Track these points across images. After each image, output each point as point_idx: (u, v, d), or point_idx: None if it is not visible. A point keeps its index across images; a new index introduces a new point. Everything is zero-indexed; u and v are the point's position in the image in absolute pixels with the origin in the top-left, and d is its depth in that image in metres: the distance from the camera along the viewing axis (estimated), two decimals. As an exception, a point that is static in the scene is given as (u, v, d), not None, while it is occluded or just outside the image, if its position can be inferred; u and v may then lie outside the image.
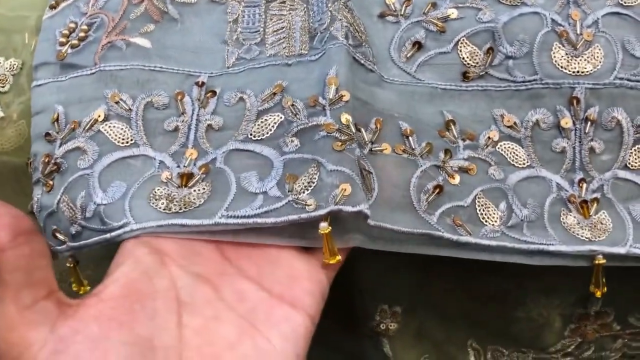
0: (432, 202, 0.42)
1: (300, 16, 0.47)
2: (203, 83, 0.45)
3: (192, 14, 0.48)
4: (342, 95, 0.41)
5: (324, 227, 0.38)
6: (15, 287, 0.32)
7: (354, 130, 0.41)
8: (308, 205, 0.38)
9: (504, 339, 0.51)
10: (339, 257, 0.39)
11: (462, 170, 0.44)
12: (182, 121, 0.44)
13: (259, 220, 0.39)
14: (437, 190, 0.42)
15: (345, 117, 0.41)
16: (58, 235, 0.42)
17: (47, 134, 0.44)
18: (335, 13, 0.45)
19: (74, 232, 0.41)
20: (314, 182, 0.39)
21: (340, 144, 0.40)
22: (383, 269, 0.45)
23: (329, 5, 0.45)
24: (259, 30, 0.47)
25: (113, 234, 0.39)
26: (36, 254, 0.33)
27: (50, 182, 0.42)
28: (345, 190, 0.38)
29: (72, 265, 0.42)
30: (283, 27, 0.47)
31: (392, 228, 0.40)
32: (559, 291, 0.48)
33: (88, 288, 0.43)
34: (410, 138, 0.44)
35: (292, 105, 0.42)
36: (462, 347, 0.52)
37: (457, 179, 0.43)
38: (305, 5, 0.47)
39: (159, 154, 0.42)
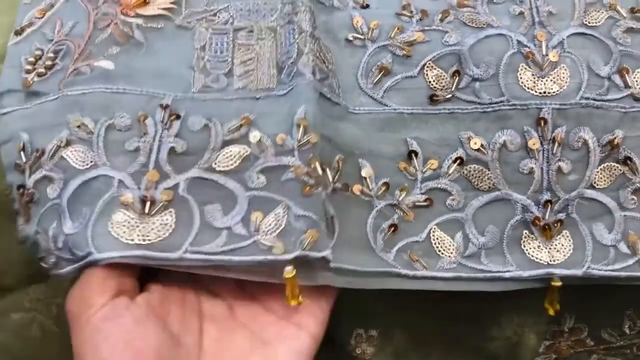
0: (388, 240, 0.43)
1: (269, 47, 0.47)
2: (167, 105, 0.44)
3: (159, 39, 0.48)
4: (311, 138, 0.42)
5: (289, 270, 0.39)
6: None
7: (320, 172, 0.41)
8: (275, 248, 0.39)
9: (481, 357, 0.52)
10: (301, 300, 0.40)
11: (418, 206, 0.44)
12: (144, 141, 0.43)
13: (225, 257, 0.39)
14: (393, 229, 0.43)
15: (314, 160, 0.41)
16: (43, 264, 0.42)
17: (17, 165, 0.44)
18: (302, 46, 0.45)
19: (51, 262, 0.41)
20: (281, 225, 0.40)
21: (308, 188, 0.40)
22: (358, 293, 0.45)
23: (296, 37, 0.45)
24: (226, 60, 0.47)
25: (81, 263, 0.39)
26: None
27: (28, 213, 0.42)
28: (312, 236, 0.39)
29: None
30: (251, 59, 0.47)
31: (352, 269, 0.41)
32: (533, 309, 0.48)
33: None
34: (367, 179, 0.44)
35: (260, 141, 0.42)
36: (439, 367, 0.52)
37: (411, 216, 0.44)
38: (273, 35, 0.47)
39: (118, 172, 0.42)
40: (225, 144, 0.43)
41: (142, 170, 0.42)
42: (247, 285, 0.41)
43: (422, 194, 0.44)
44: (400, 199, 0.44)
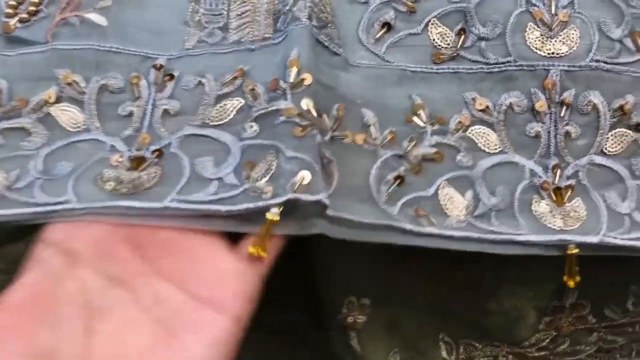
0: (393, 193, 0.40)
1: None
2: (161, 66, 0.43)
3: None
4: (304, 79, 0.40)
5: (274, 213, 0.36)
6: None
7: (315, 115, 0.39)
8: (265, 193, 0.37)
9: (477, 333, 0.50)
10: (264, 254, 0.36)
11: (427, 159, 0.42)
12: (138, 106, 0.42)
13: (213, 207, 0.37)
14: (398, 181, 0.41)
15: (307, 102, 0.39)
16: None
17: None
18: None
19: None
20: (272, 169, 0.37)
21: (300, 129, 0.38)
22: (351, 260, 0.43)
23: None
24: (222, 13, 0.45)
25: (47, 208, 0.37)
26: None
27: None
28: (304, 178, 0.36)
29: None
30: (247, 11, 0.45)
31: (352, 219, 0.38)
32: (534, 281, 0.47)
33: None
34: (371, 127, 0.42)
35: (252, 89, 0.41)
36: (433, 341, 0.50)
37: (419, 168, 0.41)
38: None
39: (111, 138, 0.40)
40: (219, 98, 0.41)
41: (134, 135, 0.41)
42: (158, 260, 0.36)
43: (431, 146, 0.42)
44: (408, 149, 0.42)
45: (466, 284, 0.46)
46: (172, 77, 0.42)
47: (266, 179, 0.37)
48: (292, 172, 0.37)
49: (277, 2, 0.44)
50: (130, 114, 0.41)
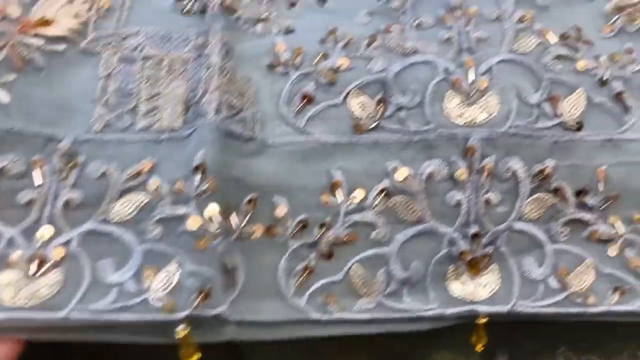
0: (302, 283, 0.40)
1: (177, 81, 0.45)
2: (66, 151, 0.41)
3: (61, 64, 0.45)
4: (209, 184, 0.39)
5: (181, 329, 0.37)
6: None
7: (219, 221, 0.39)
8: (165, 306, 0.37)
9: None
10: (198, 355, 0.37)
11: (338, 243, 0.42)
12: (39, 193, 0.40)
13: (113, 316, 0.37)
14: (307, 272, 0.41)
15: (210, 210, 0.39)
16: None
17: None
18: (209, 81, 0.43)
19: None
20: (172, 282, 0.38)
21: (202, 241, 0.38)
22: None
23: (204, 72, 0.44)
24: (132, 94, 0.44)
25: None
26: None
27: None
28: (203, 293, 0.37)
29: None
30: (158, 93, 0.44)
31: (257, 320, 0.39)
32: (464, 345, 0.46)
33: None
34: (282, 218, 0.42)
35: (157, 188, 0.40)
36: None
37: (330, 254, 0.41)
38: (184, 68, 0.45)
39: (9, 229, 0.39)
40: (123, 192, 0.40)
41: (34, 227, 0.39)
42: None
43: (346, 228, 0.42)
44: (318, 237, 0.41)
45: (396, 353, 0.46)
46: (76, 164, 0.41)
47: (167, 291, 0.37)
48: (192, 287, 0.37)
49: (187, 89, 0.44)
50: (30, 203, 0.40)
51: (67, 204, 0.40)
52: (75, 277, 0.38)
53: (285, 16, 0.50)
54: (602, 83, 0.46)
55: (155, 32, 0.47)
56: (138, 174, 0.41)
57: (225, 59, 0.44)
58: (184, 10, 0.50)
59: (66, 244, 0.39)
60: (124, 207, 0.40)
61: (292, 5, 0.51)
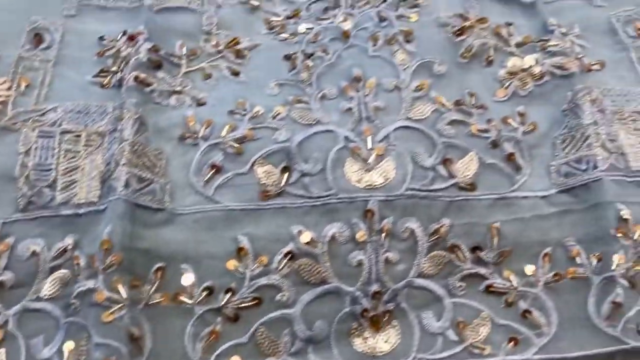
0: (208, 347, 0.42)
1: (94, 154, 0.47)
2: None
3: None
4: (115, 259, 0.42)
5: None
6: None
7: (125, 295, 0.41)
8: None
9: None
10: None
11: (244, 307, 0.43)
12: None
13: None
14: (213, 336, 0.42)
15: (116, 283, 0.41)
16: None
17: None
18: (119, 157, 0.46)
19: None
20: (82, 355, 0.40)
21: (109, 314, 0.40)
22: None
23: (116, 148, 0.46)
24: (50, 169, 0.47)
25: None
26: None
27: None
28: None
29: None
30: (76, 168, 0.47)
31: None
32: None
33: None
34: (189, 286, 0.43)
35: (78, 263, 0.43)
36: None
37: (235, 318, 0.43)
38: (101, 142, 0.48)
39: None
40: (52, 270, 0.43)
41: None
42: None
43: (251, 292, 0.43)
44: (224, 302, 0.43)
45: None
46: (7, 245, 0.43)
47: None
48: (98, 359, 0.39)
49: (104, 163, 0.47)
50: None
51: (1, 286, 0.42)
52: (12, 355, 0.40)
53: (199, 88, 0.53)
54: (494, 145, 0.49)
55: (74, 106, 0.49)
56: (64, 251, 0.43)
57: (137, 133, 0.47)
58: (104, 84, 0.52)
59: (3, 325, 0.41)
60: (52, 284, 0.42)
61: (208, 77, 0.54)
